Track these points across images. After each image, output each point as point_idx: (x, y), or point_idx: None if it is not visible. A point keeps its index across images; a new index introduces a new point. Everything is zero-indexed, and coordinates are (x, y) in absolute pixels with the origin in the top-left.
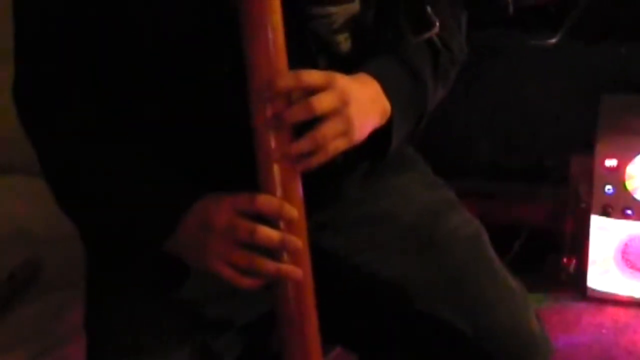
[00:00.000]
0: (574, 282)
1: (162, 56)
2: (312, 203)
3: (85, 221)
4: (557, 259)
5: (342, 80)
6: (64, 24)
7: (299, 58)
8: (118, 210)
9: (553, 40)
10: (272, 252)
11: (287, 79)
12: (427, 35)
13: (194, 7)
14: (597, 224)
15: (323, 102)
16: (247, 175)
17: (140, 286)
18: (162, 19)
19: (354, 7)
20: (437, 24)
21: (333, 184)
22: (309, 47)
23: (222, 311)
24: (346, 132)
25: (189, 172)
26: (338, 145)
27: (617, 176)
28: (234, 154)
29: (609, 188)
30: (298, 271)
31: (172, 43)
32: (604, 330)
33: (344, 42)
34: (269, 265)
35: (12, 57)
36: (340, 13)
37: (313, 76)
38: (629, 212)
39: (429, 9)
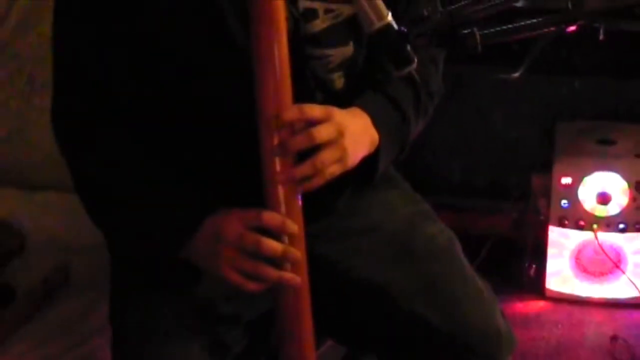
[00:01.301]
0: (534, 284)
1: (182, 91)
2: (308, 215)
3: (112, 230)
4: (519, 264)
5: (339, 114)
6: (93, 60)
7: (299, 93)
8: (140, 222)
9: (516, 75)
10: (275, 261)
11: (292, 111)
12: (407, 69)
13: (207, 50)
14: (554, 233)
15: (322, 133)
16: (252, 185)
17: (159, 287)
18: (184, 61)
19: (348, 50)
20: (416, 60)
21: (326, 199)
22: (308, 84)
23: (230, 309)
24: (341, 159)
25: (202, 181)
26: (334, 170)
27: (571, 192)
28: (242, 167)
29: (564, 202)
30: (297, 279)
31: (192, 81)
32: (559, 326)
33: (338, 79)
34: (272, 272)
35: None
36: (336, 55)
37: (314, 110)
38: (582, 223)
39: (408, 47)
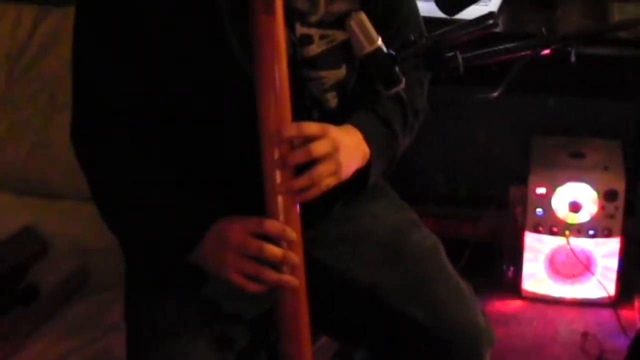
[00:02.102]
0: (511, 285)
1: (188, 107)
2: (305, 222)
3: (125, 235)
4: (498, 267)
5: (334, 131)
6: (109, 81)
7: (297, 111)
8: (151, 228)
9: (495, 94)
10: (275, 264)
11: (291, 129)
12: (395, 89)
13: (217, 73)
14: (530, 238)
15: (319, 148)
16: (253, 194)
17: (168, 287)
18: (191, 79)
19: (341, 72)
20: (403, 80)
21: (322, 207)
22: (305, 103)
23: (233, 308)
24: (336, 172)
25: (208, 190)
26: (329, 182)
27: (545, 201)
28: (244, 177)
29: (539, 210)
30: (295, 281)
31: (198, 98)
32: (535, 323)
33: (332, 99)
34: (272, 275)
35: (68, 107)
36: (330, 77)
37: (311, 127)
38: (555, 229)
39: (396, 69)
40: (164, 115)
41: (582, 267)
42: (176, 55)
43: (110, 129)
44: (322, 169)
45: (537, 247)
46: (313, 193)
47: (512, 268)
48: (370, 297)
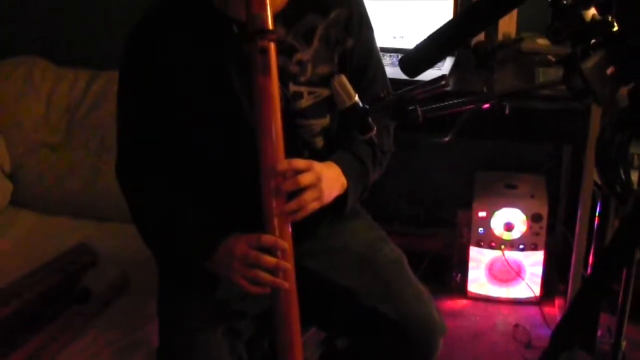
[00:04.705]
0: (459, 288)
1: (207, 149)
2: (297, 239)
3: (158, 249)
4: (449, 273)
5: (318, 166)
6: (145, 129)
7: (292, 152)
8: (178, 243)
9: (446, 138)
10: (271, 270)
11: (284, 164)
12: (369, 134)
13: (226, 120)
14: (474, 251)
15: (305, 179)
16: (254, 217)
17: (191, 290)
18: (208, 127)
19: (326, 120)
20: (375, 127)
21: (310, 227)
22: (297, 145)
23: (240, 306)
24: (319, 198)
25: (220, 215)
26: (314, 206)
27: (486, 222)
28: (247, 205)
29: (481, 230)
30: (286, 283)
31: (214, 142)
32: (477, 318)
33: (319, 142)
34: (269, 279)
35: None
36: (317, 124)
37: (299, 162)
38: (493, 244)
39: (369, 119)
40: (188, 156)
41: (514, 273)
42: (197, 109)
43: (146, 166)
44: (308, 195)
45: (479, 258)
46: (301, 215)
47: (459, 274)
48: (349, 298)
